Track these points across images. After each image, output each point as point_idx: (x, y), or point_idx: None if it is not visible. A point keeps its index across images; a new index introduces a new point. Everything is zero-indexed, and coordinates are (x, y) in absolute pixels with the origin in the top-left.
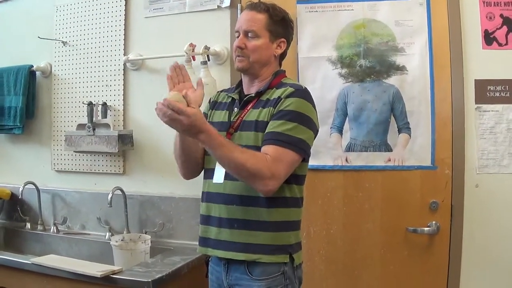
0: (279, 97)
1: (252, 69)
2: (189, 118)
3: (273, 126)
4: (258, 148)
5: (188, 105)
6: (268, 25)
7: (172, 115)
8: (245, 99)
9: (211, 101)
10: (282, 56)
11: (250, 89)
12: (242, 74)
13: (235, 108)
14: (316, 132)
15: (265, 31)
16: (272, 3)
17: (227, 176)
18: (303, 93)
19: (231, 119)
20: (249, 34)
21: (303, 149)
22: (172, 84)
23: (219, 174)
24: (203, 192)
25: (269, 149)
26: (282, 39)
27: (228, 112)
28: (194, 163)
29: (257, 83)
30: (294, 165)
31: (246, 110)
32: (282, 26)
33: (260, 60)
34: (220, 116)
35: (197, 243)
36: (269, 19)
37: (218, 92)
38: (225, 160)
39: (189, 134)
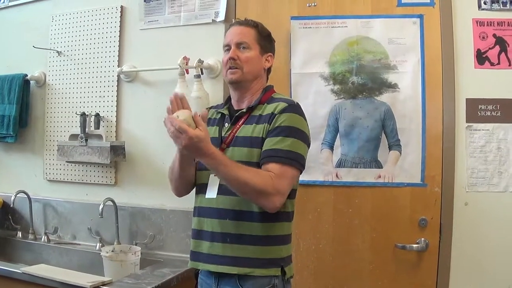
0: (272, 112)
1: (244, 81)
2: (190, 139)
3: (272, 143)
4: (250, 164)
5: (196, 126)
6: (258, 39)
7: (175, 133)
8: (236, 114)
9: None
10: (269, 71)
11: (240, 104)
12: (231, 89)
13: (226, 124)
14: (309, 145)
15: (256, 44)
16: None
17: (220, 191)
18: (296, 108)
19: (222, 135)
20: (242, 46)
21: (301, 164)
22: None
23: (213, 189)
24: (195, 207)
25: (271, 167)
26: (270, 54)
27: (218, 127)
28: (189, 181)
29: (248, 97)
30: (295, 180)
31: (238, 126)
32: (269, 42)
33: (252, 71)
34: (211, 132)
35: (187, 255)
36: (258, 34)
37: (207, 108)
38: (229, 179)
39: (189, 154)
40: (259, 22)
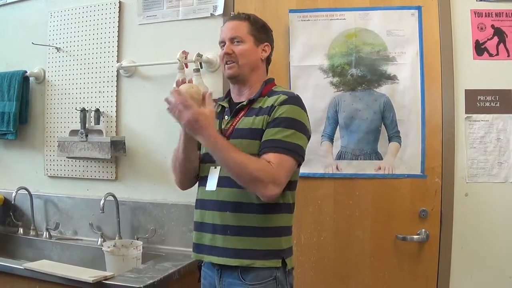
0: (272, 105)
1: (242, 75)
2: (194, 116)
3: (271, 134)
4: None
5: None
6: (251, 31)
7: (179, 106)
8: (237, 107)
9: None
10: (268, 61)
11: (240, 97)
12: (230, 84)
13: (226, 116)
14: (309, 137)
15: (249, 36)
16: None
17: (220, 183)
18: (296, 100)
19: (222, 127)
20: (235, 40)
21: (300, 155)
22: None
23: (212, 181)
24: (197, 199)
25: (270, 156)
26: (266, 43)
27: (218, 120)
28: (193, 171)
29: (247, 90)
30: (292, 171)
31: (238, 118)
32: (264, 33)
33: (248, 63)
34: None
35: (188, 249)
36: (251, 26)
37: None
38: (228, 162)
39: (191, 130)
40: (252, 14)
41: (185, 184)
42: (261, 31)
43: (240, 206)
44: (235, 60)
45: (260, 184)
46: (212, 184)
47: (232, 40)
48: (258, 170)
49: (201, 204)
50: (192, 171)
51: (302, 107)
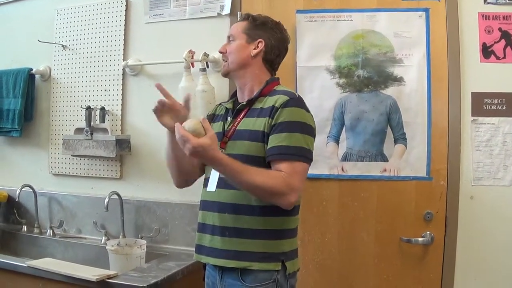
0: (273, 106)
1: (231, 72)
2: (194, 149)
3: (278, 140)
4: (249, 157)
5: (205, 132)
6: (246, 29)
7: (181, 141)
8: (237, 108)
9: (208, 114)
10: (270, 62)
11: (243, 96)
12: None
13: (228, 117)
14: (315, 136)
15: (242, 34)
16: (258, 13)
17: (219, 185)
18: (298, 102)
19: (225, 129)
20: (230, 39)
21: (309, 158)
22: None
23: (212, 182)
24: (200, 201)
25: (282, 166)
26: (260, 40)
27: (222, 122)
28: (186, 174)
29: (246, 88)
30: (306, 173)
31: (238, 119)
32: (262, 29)
33: (235, 61)
34: (216, 127)
35: (192, 248)
36: (248, 24)
37: (216, 105)
38: (243, 185)
39: (199, 159)
40: (257, 14)
41: (179, 183)
42: (258, 29)
43: (239, 208)
44: (226, 58)
45: (279, 197)
46: (212, 185)
47: (228, 38)
48: (275, 185)
49: (203, 205)
50: (184, 173)
51: (304, 107)
